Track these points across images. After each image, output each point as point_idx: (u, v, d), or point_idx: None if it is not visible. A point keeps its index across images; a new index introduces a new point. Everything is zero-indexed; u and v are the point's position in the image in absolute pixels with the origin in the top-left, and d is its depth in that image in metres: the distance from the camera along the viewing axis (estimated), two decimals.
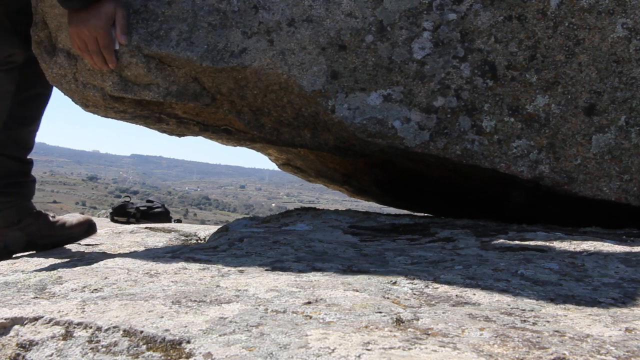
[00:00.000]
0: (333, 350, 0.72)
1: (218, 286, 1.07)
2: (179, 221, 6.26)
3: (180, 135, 2.14)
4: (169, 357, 0.75)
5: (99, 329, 0.83)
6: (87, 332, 0.83)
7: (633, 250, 1.36)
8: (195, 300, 0.96)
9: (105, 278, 1.17)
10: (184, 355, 0.75)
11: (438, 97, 1.68)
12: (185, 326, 0.82)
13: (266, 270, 1.23)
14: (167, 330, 0.81)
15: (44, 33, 1.76)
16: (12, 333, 0.87)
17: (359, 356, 0.70)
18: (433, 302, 0.97)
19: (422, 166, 1.98)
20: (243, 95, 1.75)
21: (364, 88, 1.69)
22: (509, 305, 0.95)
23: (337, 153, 1.90)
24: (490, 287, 1.06)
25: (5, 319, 0.89)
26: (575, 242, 1.48)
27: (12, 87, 1.81)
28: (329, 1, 1.67)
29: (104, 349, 0.79)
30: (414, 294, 1.02)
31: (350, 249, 1.49)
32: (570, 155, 1.68)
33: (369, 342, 0.75)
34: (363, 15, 1.67)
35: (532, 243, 1.50)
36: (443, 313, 0.90)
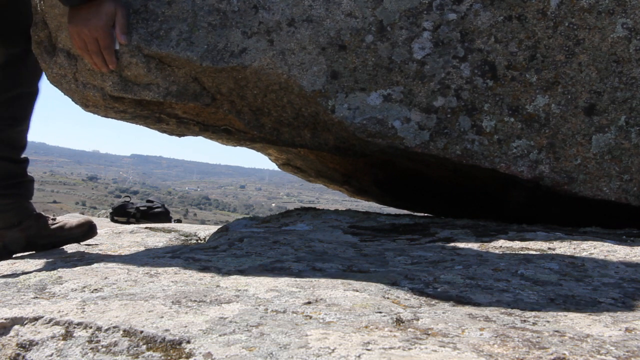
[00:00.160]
0: (333, 350, 0.72)
1: (218, 286, 1.07)
2: (179, 221, 6.26)
3: (180, 135, 2.14)
4: (169, 357, 0.75)
5: (99, 329, 0.83)
6: (87, 332, 0.83)
7: (633, 250, 1.36)
8: (195, 300, 0.96)
9: (105, 278, 1.17)
10: (184, 355, 0.74)
11: (438, 97, 1.68)
12: (185, 326, 0.82)
13: (266, 270, 1.23)
14: (167, 330, 0.81)
15: (44, 33, 1.76)
16: (12, 333, 0.87)
17: (359, 356, 0.70)
18: (433, 302, 0.97)
19: (422, 166, 1.98)
20: (243, 95, 1.75)
21: (364, 88, 1.69)
22: (509, 305, 0.95)
23: (337, 153, 1.90)
24: (490, 287, 1.06)
25: (5, 319, 0.89)
26: (575, 242, 1.48)
27: None
28: (329, 1, 1.67)
29: (104, 349, 0.79)
30: (414, 294, 1.02)
31: (350, 249, 1.49)
32: (570, 155, 1.68)
33: (369, 342, 0.75)
34: (363, 15, 1.67)
35: (532, 243, 1.50)
36: (443, 313, 0.90)
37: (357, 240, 1.66)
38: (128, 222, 5.23)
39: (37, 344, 0.83)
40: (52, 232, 1.96)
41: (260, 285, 1.07)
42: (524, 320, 0.86)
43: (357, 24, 1.67)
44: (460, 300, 0.98)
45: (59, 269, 1.29)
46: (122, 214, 5.62)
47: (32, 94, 1.89)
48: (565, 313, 0.90)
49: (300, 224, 1.97)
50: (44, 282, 1.15)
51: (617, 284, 1.09)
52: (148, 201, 6.05)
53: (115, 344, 0.79)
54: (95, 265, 1.35)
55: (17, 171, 1.88)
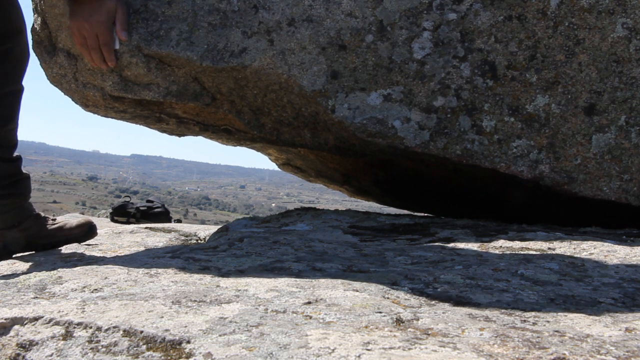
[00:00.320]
0: (333, 350, 0.72)
1: (218, 286, 1.07)
2: (179, 221, 6.26)
3: (180, 135, 2.14)
4: (169, 357, 0.75)
5: (99, 329, 0.83)
6: (87, 332, 0.83)
7: (633, 250, 1.36)
8: (195, 300, 0.96)
9: (105, 278, 1.17)
10: (184, 355, 0.74)
11: (438, 97, 1.68)
12: (185, 326, 0.82)
13: (266, 270, 1.23)
14: (167, 330, 0.81)
15: (44, 33, 1.76)
16: (12, 333, 0.87)
17: (359, 356, 0.70)
18: (433, 302, 0.97)
19: (422, 166, 1.98)
20: (243, 95, 1.75)
21: (364, 88, 1.69)
22: (509, 305, 0.95)
23: (337, 153, 1.90)
24: (490, 287, 1.06)
25: (5, 319, 0.89)
26: (575, 242, 1.48)
27: None
28: (329, 1, 1.67)
29: (104, 349, 0.79)
30: (414, 294, 1.02)
31: (350, 249, 1.49)
32: (570, 155, 1.68)
33: (369, 342, 0.75)
34: (363, 15, 1.67)
35: (532, 243, 1.50)
36: (443, 313, 0.90)
37: (357, 240, 1.66)
38: (128, 222, 5.23)
39: (37, 344, 0.83)
40: (51, 233, 1.96)
41: (260, 285, 1.07)
42: (524, 320, 0.86)
43: (357, 24, 1.67)
44: (460, 300, 0.98)
45: (59, 269, 1.29)
46: (122, 214, 5.62)
47: (18, 92, 1.88)
48: (565, 313, 0.90)
49: (300, 224, 1.97)
50: (44, 282, 1.15)
51: (617, 284, 1.09)
52: (148, 201, 6.05)
53: (115, 344, 0.79)
54: (95, 265, 1.35)
55: (11, 170, 1.87)
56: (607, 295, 1.01)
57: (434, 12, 1.66)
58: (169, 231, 2.47)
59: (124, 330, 0.82)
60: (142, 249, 1.95)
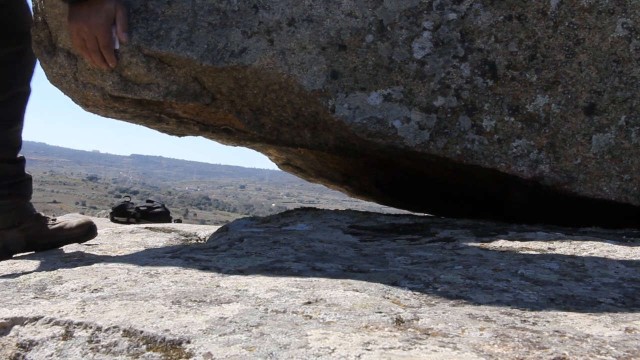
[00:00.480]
0: (333, 350, 0.72)
1: (218, 286, 1.07)
2: (179, 221, 6.26)
3: (180, 135, 2.14)
4: (169, 357, 0.75)
5: (99, 329, 0.83)
6: (87, 332, 0.83)
7: (633, 250, 1.36)
8: (195, 300, 0.96)
9: (105, 278, 1.17)
10: (184, 355, 0.74)
11: (438, 96, 1.68)
12: (185, 326, 0.82)
13: (266, 270, 1.23)
14: (167, 330, 0.81)
15: (44, 33, 1.76)
16: (12, 333, 0.87)
17: (359, 356, 0.70)
18: (433, 302, 0.97)
19: (422, 166, 1.98)
20: (243, 94, 1.75)
21: (364, 88, 1.69)
22: (509, 305, 0.95)
23: (337, 153, 1.90)
24: (490, 287, 1.06)
25: (5, 319, 0.89)
26: (575, 242, 1.48)
27: None
28: (329, 1, 1.67)
29: (104, 349, 0.79)
30: (414, 294, 1.02)
31: (350, 249, 1.49)
32: (570, 155, 1.68)
33: (369, 342, 0.75)
34: (363, 15, 1.67)
35: (532, 243, 1.50)
36: (443, 313, 0.90)
37: (357, 240, 1.66)
38: (128, 222, 5.23)
39: (37, 344, 0.83)
40: (52, 233, 1.96)
41: (260, 285, 1.07)
42: (524, 320, 0.86)
43: (357, 24, 1.67)
44: (460, 300, 0.98)
45: (59, 269, 1.29)
46: (122, 214, 5.62)
47: (25, 93, 1.89)
48: (565, 313, 0.90)
49: (300, 224, 1.97)
50: (44, 282, 1.15)
51: (617, 284, 1.09)
52: (148, 201, 6.05)
53: (115, 344, 0.79)
54: (95, 265, 1.35)
55: (15, 171, 1.88)
56: (607, 295, 1.01)
57: (434, 12, 1.66)
58: (169, 231, 2.47)
59: (124, 330, 0.82)
60: (142, 249, 1.95)
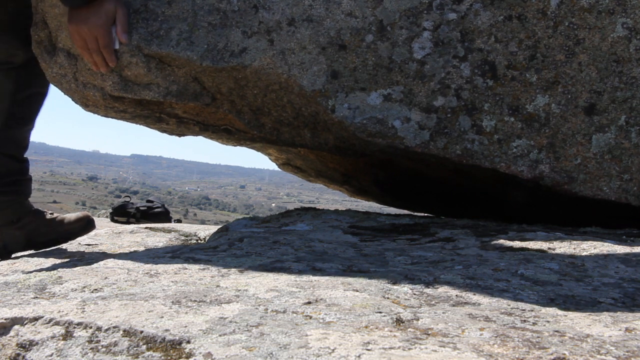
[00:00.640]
0: (333, 350, 0.72)
1: (218, 286, 1.07)
2: (179, 221, 6.26)
3: (180, 135, 2.14)
4: (169, 357, 0.75)
5: (99, 329, 0.83)
6: (87, 332, 0.83)
7: (633, 250, 1.36)
8: (195, 300, 0.96)
9: (105, 278, 1.17)
10: (184, 355, 0.74)
11: (438, 96, 1.68)
12: (185, 326, 0.82)
13: (266, 270, 1.23)
14: (167, 330, 0.81)
15: (44, 33, 1.76)
16: (12, 333, 0.87)
17: (359, 356, 0.70)
18: (433, 302, 0.97)
19: (422, 166, 1.98)
20: (243, 94, 1.75)
21: (364, 88, 1.69)
22: (509, 305, 0.95)
23: (337, 153, 1.90)
24: (490, 287, 1.06)
25: (5, 319, 0.89)
26: (575, 242, 1.48)
27: (12, 86, 1.83)
28: (329, 1, 1.67)
29: (104, 349, 0.79)
30: (414, 294, 1.02)
31: (350, 249, 1.49)
32: (570, 154, 1.68)
33: (369, 342, 0.75)
34: (363, 14, 1.67)
35: (532, 243, 1.50)
36: (443, 313, 0.90)
37: (357, 240, 1.66)
38: (128, 222, 5.23)
39: (37, 344, 0.83)
40: (51, 228, 1.96)
41: (260, 285, 1.07)
42: (524, 320, 0.86)
43: (357, 24, 1.67)
44: (460, 300, 0.98)
45: (59, 269, 1.29)
46: (122, 214, 5.63)
47: (43, 94, 1.92)
48: (565, 313, 0.90)
49: (300, 224, 1.97)
50: (44, 282, 1.15)
51: (617, 284, 1.09)
52: (148, 201, 6.05)
53: (115, 344, 0.79)
54: (95, 265, 1.35)
55: (19, 169, 1.89)
56: (607, 295, 1.01)
57: (434, 12, 1.66)
58: (169, 231, 2.47)
59: (124, 330, 0.82)
60: (142, 249, 1.95)
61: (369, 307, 0.92)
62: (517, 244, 1.49)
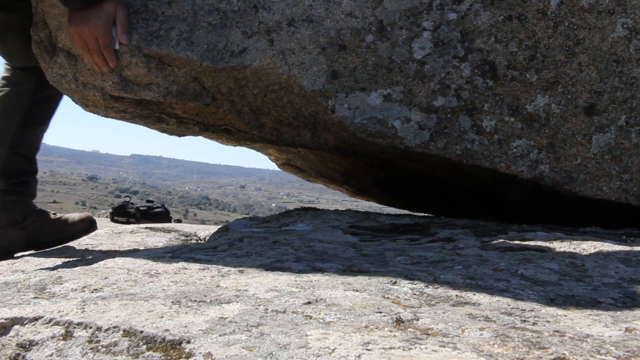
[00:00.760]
0: (333, 350, 0.72)
1: (218, 286, 1.07)
2: (179, 221, 6.26)
3: (180, 135, 2.14)
4: (169, 357, 0.75)
5: (99, 329, 0.83)
6: (87, 332, 0.83)
7: (633, 250, 1.36)
8: (195, 300, 0.96)
9: (105, 278, 1.17)
10: (184, 355, 0.74)
11: (438, 96, 1.68)
12: (185, 326, 0.82)
13: (266, 270, 1.23)
14: (167, 330, 0.81)
15: (44, 33, 1.76)
16: (12, 333, 0.87)
17: (359, 356, 0.70)
18: (433, 302, 0.97)
19: (422, 166, 1.98)
20: (243, 95, 1.75)
21: (364, 88, 1.69)
22: (509, 305, 0.95)
23: (337, 153, 1.90)
24: (490, 287, 1.06)
25: (5, 319, 0.89)
26: (575, 242, 1.48)
27: (32, 86, 1.85)
28: (329, 1, 1.67)
29: (104, 349, 0.79)
30: (414, 294, 1.02)
31: (350, 249, 1.49)
32: (570, 155, 1.68)
33: (369, 342, 0.75)
34: (363, 15, 1.67)
35: (532, 243, 1.50)
36: (443, 313, 0.90)
37: (357, 240, 1.66)
38: (128, 222, 5.23)
39: (37, 344, 0.83)
40: (55, 228, 1.96)
41: (260, 285, 1.07)
42: (524, 320, 0.86)
43: (357, 24, 1.67)
44: (460, 300, 0.98)
45: (59, 269, 1.29)
46: (122, 214, 5.62)
47: (59, 95, 1.94)
48: (565, 313, 0.90)
49: (300, 224, 1.97)
50: (44, 282, 1.15)
51: (617, 284, 1.09)
52: (148, 201, 6.05)
53: (115, 344, 0.79)
54: (95, 265, 1.35)
55: (30, 170, 1.90)
56: (607, 295, 1.01)
57: (434, 12, 1.66)
58: (169, 231, 2.47)
59: (124, 330, 0.82)
60: (142, 249, 1.95)
61: (369, 307, 0.92)
62: (517, 244, 1.49)
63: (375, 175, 2.49)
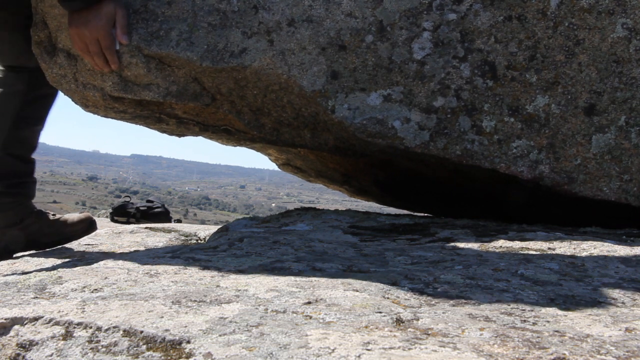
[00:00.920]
0: (333, 350, 0.72)
1: (218, 286, 1.07)
2: (179, 221, 6.26)
3: (180, 135, 2.14)
4: (169, 357, 0.75)
5: (99, 329, 0.83)
6: (87, 332, 0.83)
7: (633, 250, 1.36)
8: (195, 300, 0.96)
9: (105, 278, 1.17)
10: (184, 355, 0.75)
11: (438, 97, 1.68)
12: (185, 326, 0.82)
13: (266, 270, 1.23)
14: (167, 330, 0.81)
15: (44, 33, 1.76)
16: (12, 333, 0.87)
17: (359, 356, 0.70)
18: (433, 302, 0.97)
19: (422, 166, 1.98)
20: (243, 95, 1.75)
21: (364, 88, 1.69)
22: (509, 305, 0.95)
23: (337, 153, 1.90)
24: (490, 287, 1.06)
25: (5, 319, 0.89)
26: (575, 242, 1.48)
27: (23, 86, 1.85)
28: (329, 1, 1.67)
29: (104, 349, 0.79)
30: (414, 294, 1.02)
31: (350, 249, 1.49)
32: (570, 155, 1.68)
33: (369, 342, 0.75)
34: (363, 15, 1.67)
35: (532, 243, 1.50)
36: (443, 313, 0.90)
37: (357, 240, 1.66)
38: (128, 222, 5.23)
39: (37, 344, 0.83)
40: (55, 229, 1.96)
41: (260, 285, 1.07)
42: (524, 320, 0.86)
43: (357, 24, 1.67)
44: (460, 300, 0.98)
45: (59, 269, 1.29)
46: (122, 214, 5.62)
47: (53, 96, 1.94)
48: (565, 313, 0.90)
49: (300, 224, 1.97)
50: (44, 282, 1.15)
51: (617, 284, 1.09)
52: (148, 201, 6.05)
53: (115, 344, 0.79)
54: (95, 265, 1.35)
55: (25, 170, 1.90)
56: (607, 295, 1.01)
57: (434, 13, 1.66)
58: (169, 231, 2.47)
59: (124, 330, 0.82)
60: (142, 249, 1.95)
61: (369, 307, 0.92)
62: (517, 244, 1.49)
63: (375, 175, 2.49)
